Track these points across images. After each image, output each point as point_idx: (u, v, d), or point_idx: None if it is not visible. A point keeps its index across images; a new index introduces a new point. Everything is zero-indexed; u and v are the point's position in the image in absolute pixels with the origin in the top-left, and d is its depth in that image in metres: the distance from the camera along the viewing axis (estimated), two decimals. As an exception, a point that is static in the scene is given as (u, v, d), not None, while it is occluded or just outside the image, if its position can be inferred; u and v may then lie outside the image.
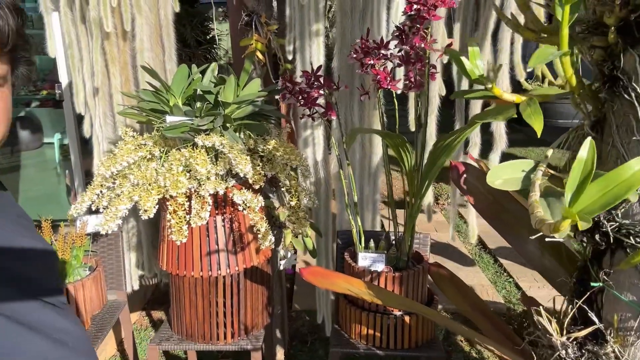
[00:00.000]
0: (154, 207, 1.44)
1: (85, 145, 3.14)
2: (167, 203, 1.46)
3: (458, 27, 1.97)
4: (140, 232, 2.25)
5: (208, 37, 6.32)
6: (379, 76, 1.50)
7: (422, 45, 1.37)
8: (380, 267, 1.71)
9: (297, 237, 1.80)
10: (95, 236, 1.96)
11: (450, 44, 1.37)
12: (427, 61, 1.45)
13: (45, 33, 2.08)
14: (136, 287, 2.32)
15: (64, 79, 2.89)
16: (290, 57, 1.84)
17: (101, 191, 1.56)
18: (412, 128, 2.10)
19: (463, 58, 0.82)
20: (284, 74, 1.97)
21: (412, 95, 2.10)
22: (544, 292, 3.25)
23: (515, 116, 1.11)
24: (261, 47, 1.98)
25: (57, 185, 4.17)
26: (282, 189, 2.04)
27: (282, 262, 2.13)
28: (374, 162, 1.98)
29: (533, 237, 0.66)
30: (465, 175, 0.97)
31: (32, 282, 0.71)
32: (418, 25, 1.39)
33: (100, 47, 1.89)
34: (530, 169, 0.77)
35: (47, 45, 2.12)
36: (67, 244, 1.83)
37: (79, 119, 2.77)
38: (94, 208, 1.62)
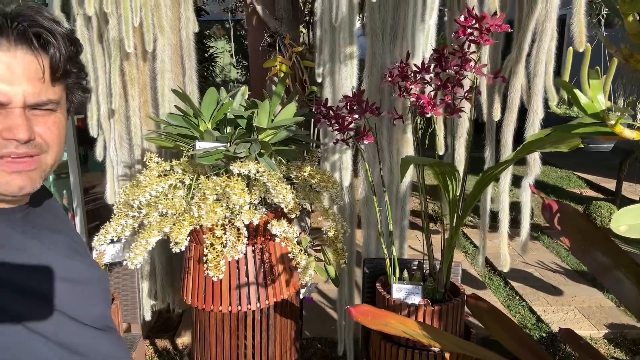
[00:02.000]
0: (186, 239, 1.35)
1: (84, 164, 3.02)
2: (204, 236, 1.37)
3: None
4: (154, 260, 2.14)
5: (206, 55, 6.27)
6: (421, 101, 1.44)
7: (473, 70, 1.31)
8: (416, 299, 1.63)
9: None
10: (111, 266, 1.85)
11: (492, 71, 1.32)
12: (473, 86, 1.40)
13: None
14: (148, 317, 2.20)
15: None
16: (319, 80, 1.77)
17: (125, 221, 1.46)
18: (441, 151, 2.04)
19: (577, 91, 0.75)
20: (314, 97, 1.90)
21: (439, 118, 2.05)
22: (559, 316, 3.19)
23: (581, 146, 1.04)
24: (286, 69, 1.92)
25: (52, 206, 4.04)
26: (304, 214, 1.96)
27: (302, 290, 2.04)
28: (403, 187, 1.91)
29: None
30: (559, 215, 0.91)
31: (78, 306, 0.73)
32: (466, 49, 1.33)
33: (118, 67, 1.80)
34: (656, 213, 0.71)
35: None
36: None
37: (79, 137, 2.66)
38: (115, 238, 1.52)
